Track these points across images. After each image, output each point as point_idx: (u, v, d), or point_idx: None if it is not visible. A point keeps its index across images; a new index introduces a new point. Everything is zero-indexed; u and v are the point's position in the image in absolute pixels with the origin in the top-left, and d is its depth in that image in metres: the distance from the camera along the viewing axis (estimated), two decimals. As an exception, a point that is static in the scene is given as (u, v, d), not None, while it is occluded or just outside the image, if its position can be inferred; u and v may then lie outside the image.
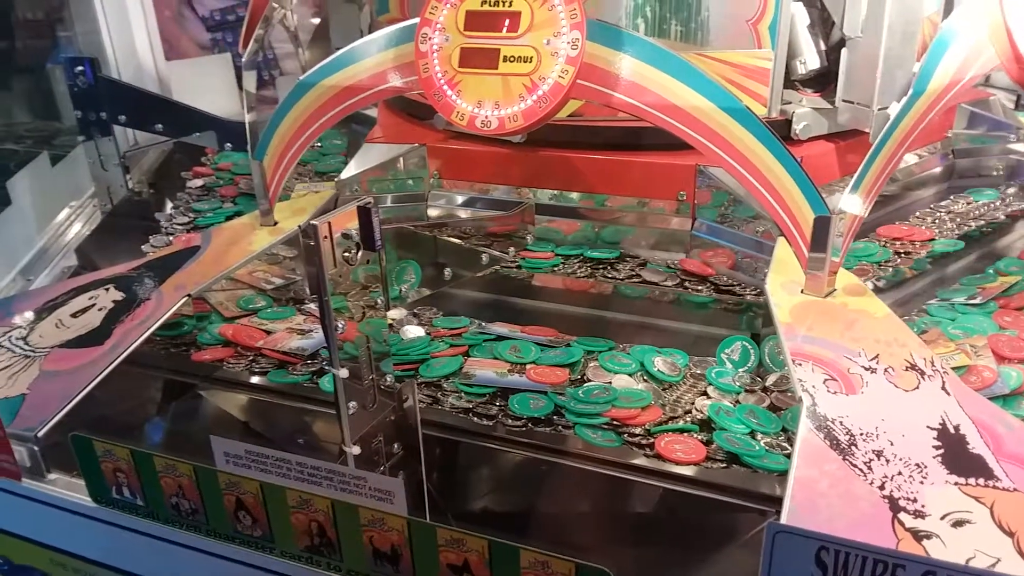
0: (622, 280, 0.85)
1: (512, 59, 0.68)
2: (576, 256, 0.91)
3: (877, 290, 0.82)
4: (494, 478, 0.71)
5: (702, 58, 0.84)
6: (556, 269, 0.89)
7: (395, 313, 0.87)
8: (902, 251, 0.89)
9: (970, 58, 0.74)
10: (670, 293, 0.83)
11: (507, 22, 0.68)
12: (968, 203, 0.99)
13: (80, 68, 1.13)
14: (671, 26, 0.87)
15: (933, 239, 0.90)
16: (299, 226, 0.91)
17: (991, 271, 0.85)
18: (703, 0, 0.85)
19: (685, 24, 0.86)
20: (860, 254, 0.87)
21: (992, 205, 0.98)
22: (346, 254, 0.56)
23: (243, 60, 0.90)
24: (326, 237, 0.55)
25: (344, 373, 0.58)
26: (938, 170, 1.05)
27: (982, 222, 0.94)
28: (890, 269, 0.85)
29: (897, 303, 0.81)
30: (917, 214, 0.97)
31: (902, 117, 0.72)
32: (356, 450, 0.58)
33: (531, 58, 0.68)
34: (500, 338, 0.82)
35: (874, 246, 0.89)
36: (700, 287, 0.83)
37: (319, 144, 1.26)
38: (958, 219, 0.95)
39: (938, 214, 0.96)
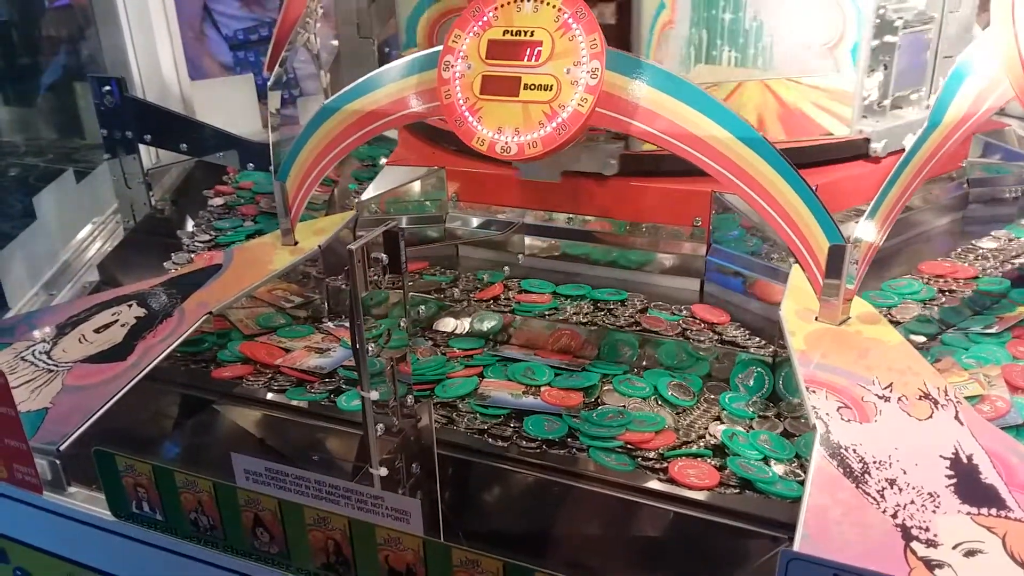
0: (621, 327, 0.82)
1: (532, 87, 0.70)
2: (577, 298, 0.88)
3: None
4: (508, 499, 0.72)
5: (786, 82, 0.87)
6: (547, 315, 0.86)
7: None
8: (946, 289, 0.87)
9: (985, 91, 0.74)
10: (671, 342, 0.81)
11: (528, 51, 0.70)
12: (1010, 239, 0.98)
13: (107, 88, 1.15)
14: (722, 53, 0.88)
15: (977, 277, 0.89)
16: (319, 246, 0.92)
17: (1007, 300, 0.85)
18: (764, 27, 0.87)
19: (742, 51, 0.88)
20: (904, 291, 0.86)
21: None
22: (373, 277, 0.57)
23: (269, 82, 0.91)
24: (360, 261, 0.56)
25: (375, 395, 0.58)
26: (952, 199, 1.05)
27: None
28: (935, 307, 0.84)
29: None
30: (958, 250, 0.96)
31: (918, 148, 0.72)
32: (383, 471, 0.59)
33: (551, 86, 0.69)
34: (514, 360, 0.83)
35: (917, 283, 0.88)
36: (702, 338, 0.80)
37: (373, 163, 1.28)
38: (1000, 256, 0.94)
39: (980, 250, 0.95)
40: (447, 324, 0.89)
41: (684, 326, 0.82)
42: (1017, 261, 0.93)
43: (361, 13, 1.02)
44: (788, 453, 0.68)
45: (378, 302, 0.58)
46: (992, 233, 1.00)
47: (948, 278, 0.89)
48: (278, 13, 0.97)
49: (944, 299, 0.86)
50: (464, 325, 0.88)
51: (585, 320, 0.84)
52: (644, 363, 0.82)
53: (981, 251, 0.95)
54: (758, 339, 0.80)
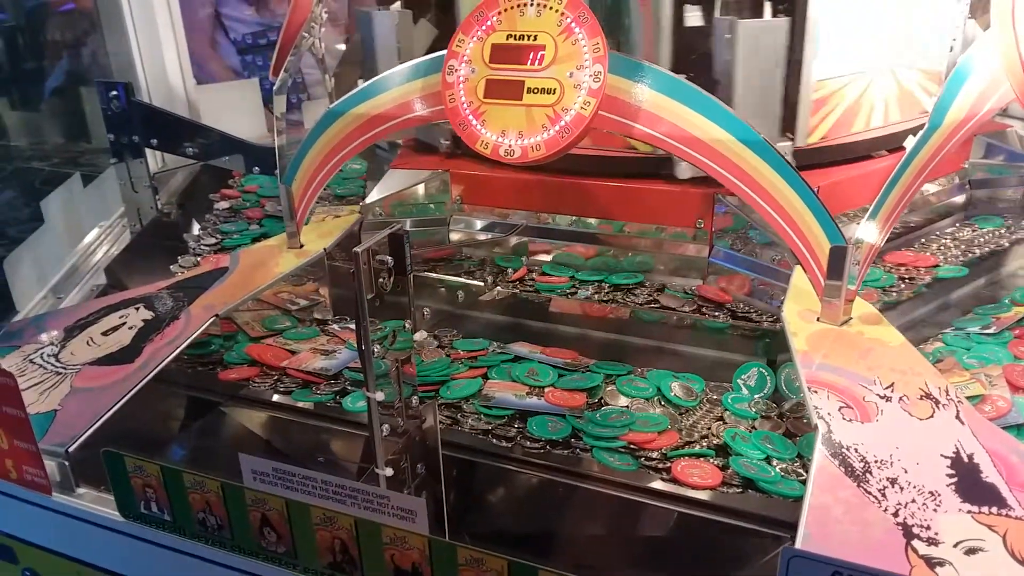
0: (640, 305, 0.86)
1: (536, 91, 0.70)
2: (595, 282, 0.92)
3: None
4: (512, 499, 0.72)
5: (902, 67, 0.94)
6: (571, 293, 0.90)
7: (416, 336, 0.88)
8: (907, 276, 0.90)
9: (987, 92, 0.75)
10: (687, 319, 0.84)
11: (532, 55, 0.70)
12: (973, 231, 1.01)
13: (114, 92, 1.16)
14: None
15: (937, 265, 0.92)
16: (324, 249, 0.93)
17: (1007, 301, 0.85)
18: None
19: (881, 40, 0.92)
20: (864, 279, 0.88)
21: (997, 233, 1.00)
22: (379, 279, 0.57)
23: (275, 87, 0.92)
24: (366, 264, 0.56)
25: (380, 396, 0.59)
26: (955, 200, 1.05)
27: (987, 249, 0.96)
28: (894, 294, 0.87)
29: (911, 331, 0.82)
30: (922, 240, 0.99)
31: (919, 149, 0.73)
32: (389, 472, 0.59)
33: (554, 90, 0.70)
34: (518, 359, 0.83)
35: (879, 271, 0.91)
36: (717, 313, 0.84)
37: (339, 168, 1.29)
38: (963, 246, 0.97)
39: (943, 241, 0.98)
40: (491, 293, 0.92)
41: (699, 303, 0.86)
42: (978, 250, 0.95)
43: (403, 33, 1.00)
44: (790, 453, 0.69)
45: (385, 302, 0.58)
46: (957, 223, 1.02)
47: (909, 266, 0.92)
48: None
49: (904, 286, 0.88)
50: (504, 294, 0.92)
51: (606, 299, 0.87)
52: (679, 321, 0.85)
53: (944, 241, 0.98)
54: (768, 315, 0.82)
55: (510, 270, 0.95)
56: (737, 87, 0.86)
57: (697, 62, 0.89)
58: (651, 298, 0.88)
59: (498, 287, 0.92)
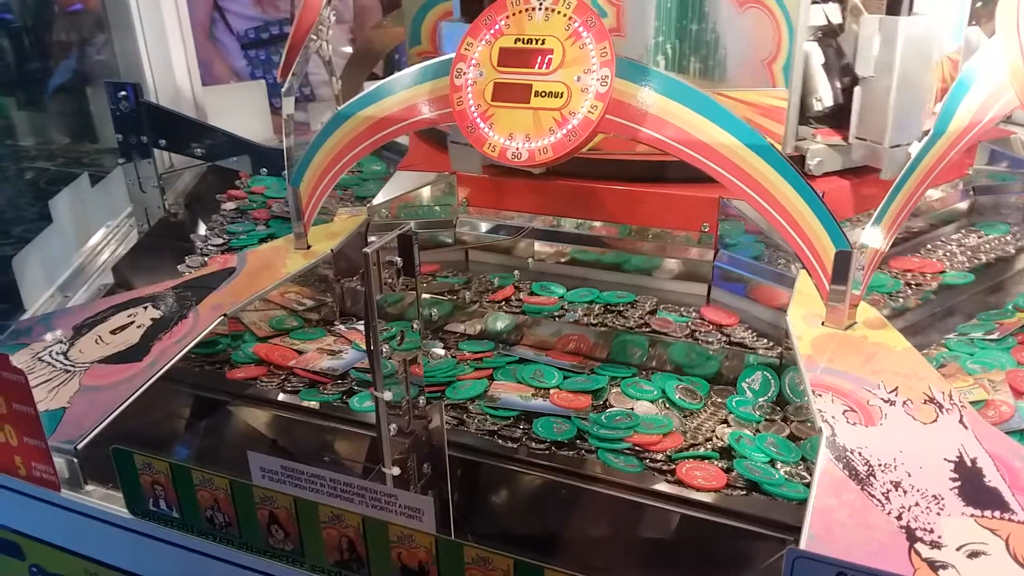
0: (631, 329, 0.84)
1: (543, 94, 0.71)
2: (585, 303, 0.89)
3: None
4: (517, 500, 0.73)
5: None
6: (559, 316, 0.87)
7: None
8: (913, 282, 0.90)
9: (991, 99, 0.75)
10: (680, 343, 0.82)
11: (539, 59, 0.71)
12: (980, 237, 1.01)
13: (123, 93, 1.17)
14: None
15: (943, 271, 0.92)
16: (331, 250, 0.94)
17: (1010, 307, 0.86)
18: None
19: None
20: (871, 285, 0.88)
21: (1003, 240, 1.00)
22: (388, 280, 0.58)
23: (283, 89, 0.93)
24: (375, 264, 0.57)
25: (388, 396, 0.59)
26: (959, 206, 1.06)
27: (992, 256, 0.96)
28: (900, 300, 0.87)
29: (919, 336, 0.83)
30: (928, 246, 0.99)
31: (923, 155, 0.73)
32: (396, 470, 0.60)
33: (562, 93, 0.70)
34: (523, 360, 0.84)
35: (885, 276, 0.91)
36: (711, 339, 0.81)
37: (359, 170, 1.29)
38: (969, 252, 0.97)
39: (949, 247, 0.99)
40: (458, 325, 0.90)
41: (693, 328, 0.83)
42: (984, 256, 0.96)
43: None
44: (794, 456, 0.69)
45: (393, 303, 0.59)
46: (962, 230, 1.03)
47: (916, 272, 0.92)
48: (289, 11, 0.98)
49: (911, 292, 0.88)
50: (475, 327, 0.89)
51: (595, 322, 0.85)
52: (654, 364, 0.83)
53: (950, 247, 0.98)
54: (766, 340, 0.81)
55: (516, 272, 0.95)
56: (894, 87, 0.85)
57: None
58: (643, 321, 0.84)
59: (479, 304, 0.90)
